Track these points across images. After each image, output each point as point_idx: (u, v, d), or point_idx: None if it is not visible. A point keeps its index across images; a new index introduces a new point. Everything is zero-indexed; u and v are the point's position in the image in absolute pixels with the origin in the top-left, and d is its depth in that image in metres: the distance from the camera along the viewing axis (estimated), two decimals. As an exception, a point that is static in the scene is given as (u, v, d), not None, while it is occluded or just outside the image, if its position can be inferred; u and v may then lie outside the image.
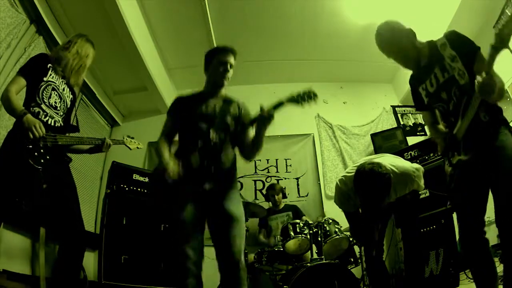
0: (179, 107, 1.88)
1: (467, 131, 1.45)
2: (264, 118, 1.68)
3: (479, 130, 1.43)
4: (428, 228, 2.93)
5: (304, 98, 1.71)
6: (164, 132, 1.86)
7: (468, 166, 1.48)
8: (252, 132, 1.82)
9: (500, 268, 1.46)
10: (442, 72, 1.57)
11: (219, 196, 1.72)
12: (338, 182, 2.13)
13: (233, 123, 1.82)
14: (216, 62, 1.85)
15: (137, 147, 2.29)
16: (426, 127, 4.49)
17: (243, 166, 4.40)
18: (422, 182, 2.06)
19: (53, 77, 1.90)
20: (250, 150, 1.83)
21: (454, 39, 1.55)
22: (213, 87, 1.89)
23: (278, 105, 1.70)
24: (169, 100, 4.59)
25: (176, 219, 1.69)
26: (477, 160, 1.45)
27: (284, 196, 3.74)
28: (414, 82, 1.77)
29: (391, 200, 1.98)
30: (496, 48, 1.21)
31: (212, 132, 1.74)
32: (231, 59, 1.87)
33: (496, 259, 1.55)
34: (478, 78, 1.27)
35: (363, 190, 1.88)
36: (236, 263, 1.64)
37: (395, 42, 1.65)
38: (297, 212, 3.58)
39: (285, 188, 3.84)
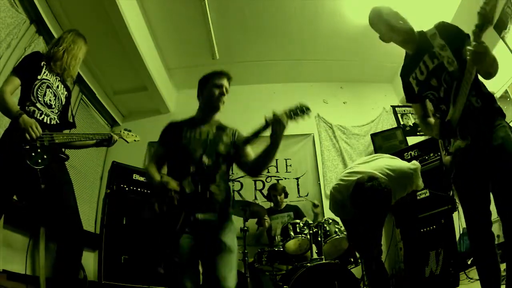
0: (171, 134, 1.78)
1: (462, 117, 1.45)
2: (279, 120, 1.53)
3: (473, 115, 1.44)
4: (428, 228, 2.93)
5: (296, 112, 1.56)
6: (154, 158, 1.77)
7: (467, 155, 1.47)
8: (250, 151, 1.74)
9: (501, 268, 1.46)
10: (431, 59, 1.60)
11: (214, 227, 1.63)
12: (333, 190, 2.10)
13: (226, 149, 1.72)
14: (211, 85, 1.79)
15: (134, 140, 2.28)
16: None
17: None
18: (420, 181, 2.05)
19: (47, 74, 1.90)
20: (260, 165, 1.70)
21: (444, 29, 1.59)
22: (208, 111, 1.81)
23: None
24: (169, 100, 4.60)
25: (173, 251, 1.59)
26: (475, 147, 1.45)
27: (286, 196, 3.74)
28: (404, 73, 1.79)
29: (391, 204, 1.97)
30: (480, 27, 1.23)
31: (204, 157, 1.64)
32: (226, 83, 1.81)
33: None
34: (468, 47, 1.29)
35: (364, 207, 1.85)
36: None
37: (381, 15, 1.70)
38: (298, 213, 3.57)
39: (285, 188, 3.83)
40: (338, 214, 2.15)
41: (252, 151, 1.73)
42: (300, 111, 1.55)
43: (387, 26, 1.69)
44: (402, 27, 1.67)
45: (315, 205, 3.58)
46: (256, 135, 1.62)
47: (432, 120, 1.73)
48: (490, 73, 1.42)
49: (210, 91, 1.79)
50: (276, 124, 1.54)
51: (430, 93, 1.65)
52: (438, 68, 1.57)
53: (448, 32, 1.56)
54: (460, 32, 1.54)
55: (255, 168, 1.72)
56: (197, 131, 1.76)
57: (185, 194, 1.56)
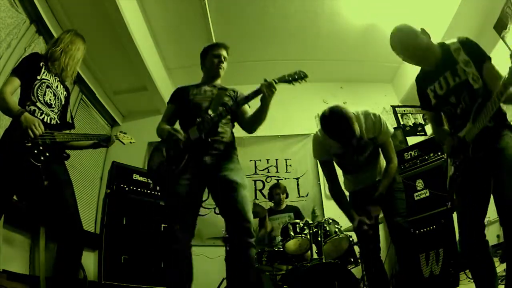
0: (179, 95, 2.09)
1: (476, 135, 1.45)
2: (271, 86, 1.79)
3: (485, 134, 1.44)
4: (428, 228, 2.93)
5: (295, 78, 1.86)
6: (164, 117, 2.06)
7: (472, 168, 1.48)
8: (247, 108, 2.04)
9: (499, 268, 1.47)
10: (453, 76, 1.57)
11: (220, 167, 1.83)
12: (318, 132, 2.17)
13: (230, 101, 2.01)
14: (211, 56, 2.10)
15: (130, 142, 2.29)
16: (426, 127, 4.50)
17: (243, 166, 4.40)
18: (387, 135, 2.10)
19: (46, 74, 1.91)
20: (252, 122, 1.99)
21: (468, 45, 1.55)
22: (210, 77, 2.11)
23: (282, 80, 1.84)
24: (169, 100, 4.60)
25: (170, 193, 1.80)
26: (481, 162, 1.46)
27: (287, 196, 3.73)
28: (422, 82, 1.77)
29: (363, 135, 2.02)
30: None
31: (210, 110, 1.89)
32: (224, 52, 2.11)
33: (495, 259, 1.55)
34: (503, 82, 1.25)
35: (332, 128, 1.95)
36: (246, 229, 1.71)
37: (409, 41, 1.62)
38: (298, 214, 3.56)
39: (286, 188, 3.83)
40: (320, 156, 2.22)
41: (249, 110, 2.04)
42: (298, 77, 1.85)
43: (412, 60, 1.68)
44: (426, 57, 1.64)
45: (314, 214, 3.58)
46: (254, 94, 1.88)
47: (446, 128, 1.72)
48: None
49: (210, 61, 2.10)
50: (266, 89, 1.80)
51: (447, 108, 1.64)
52: (459, 86, 1.55)
53: (472, 49, 1.54)
54: (483, 51, 1.53)
55: (250, 124, 2.02)
56: (202, 89, 2.06)
57: (189, 140, 1.83)
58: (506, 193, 1.36)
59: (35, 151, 1.70)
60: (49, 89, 1.90)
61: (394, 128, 4.19)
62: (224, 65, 2.11)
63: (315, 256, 2.80)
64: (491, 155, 1.43)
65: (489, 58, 1.49)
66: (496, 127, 1.45)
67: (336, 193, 2.19)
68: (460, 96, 1.55)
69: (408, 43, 1.62)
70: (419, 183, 3.11)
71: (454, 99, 1.58)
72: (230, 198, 1.76)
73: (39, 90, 1.85)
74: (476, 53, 1.52)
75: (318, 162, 4.34)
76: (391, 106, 4.73)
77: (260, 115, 1.93)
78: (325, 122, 1.94)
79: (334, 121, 1.89)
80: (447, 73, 1.59)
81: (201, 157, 1.83)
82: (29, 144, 1.69)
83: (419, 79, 1.80)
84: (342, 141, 2.00)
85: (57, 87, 1.97)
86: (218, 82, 2.14)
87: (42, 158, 1.72)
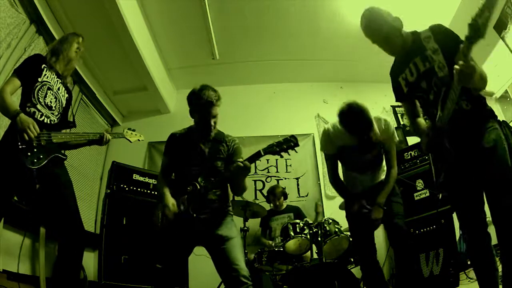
0: (173, 148, 1.97)
1: (451, 121, 1.41)
2: (241, 169, 1.73)
3: (463, 119, 1.41)
4: (428, 228, 2.94)
5: (282, 148, 1.74)
6: (162, 170, 2.00)
7: (458, 158, 1.45)
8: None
9: (501, 268, 1.46)
10: (423, 62, 1.57)
11: (211, 225, 1.85)
12: (330, 127, 2.16)
13: (222, 165, 1.92)
14: (200, 117, 1.87)
15: (138, 140, 2.27)
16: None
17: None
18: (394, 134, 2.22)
19: (47, 77, 1.91)
20: (236, 190, 1.97)
21: (439, 32, 1.55)
22: (201, 133, 1.93)
23: (256, 156, 1.77)
24: (169, 100, 4.60)
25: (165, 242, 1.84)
26: (466, 152, 1.43)
27: (286, 198, 3.74)
28: (394, 72, 1.77)
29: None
30: (470, 39, 1.18)
31: (200, 179, 1.84)
32: (215, 112, 1.86)
33: (496, 259, 1.55)
34: (455, 66, 1.24)
35: (351, 122, 1.91)
36: (236, 271, 1.73)
37: (380, 30, 1.64)
38: (298, 214, 3.56)
39: (285, 188, 3.83)
40: (324, 148, 2.24)
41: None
42: (288, 146, 1.73)
43: (384, 42, 1.67)
44: (391, 41, 1.64)
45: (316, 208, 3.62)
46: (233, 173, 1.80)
47: (421, 120, 1.71)
48: (478, 89, 1.38)
49: (199, 122, 1.89)
50: (242, 171, 1.75)
51: (419, 95, 1.63)
52: (429, 71, 1.54)
53: (443, 37, 1.53)
54: (456, 37, 1.50)
55: (235, 191, 1.99)
56: (194, 150, 1.91)
57: (180, 212, 1.82)
58: (497, 198, 1.35)
59: (29, 154, 1.69)
60: (50, 91, 1.90)
61: (394, 128, 4.22)
62: (217, 121, 1.90)
63: (315, 256, 2.81)
64: (478, 151, 1.40)
65: (462, 42, 1.45)
66: (474, 111, 1.42)
67: (335, 182, 2.26)
68: (431, 81, 1.54)
69: (370, 25, 1.66)
70: (419, 183, 3.11)
71: (425, 85, 1.57)
72: (220, 251, 1.79)
73: (39, 92, 1.84)
74: (445, 41, 1.51)
75: (317, 163, 4.42)
76: (391, 106, 4.73)
77: (238, 189, 1.94)
78: (345, 112, 1.90)
79: (353, 112, 1.86)
80: (417, 59, 1.59)
81: (193, 220, 1.83)
82: (23, 146, 1.68)
83: (392, 69, 1.80)
84: (357, 132, 1.96)
85: (58, 89, 1.97)
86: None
87: (35, 161, 1.71)
